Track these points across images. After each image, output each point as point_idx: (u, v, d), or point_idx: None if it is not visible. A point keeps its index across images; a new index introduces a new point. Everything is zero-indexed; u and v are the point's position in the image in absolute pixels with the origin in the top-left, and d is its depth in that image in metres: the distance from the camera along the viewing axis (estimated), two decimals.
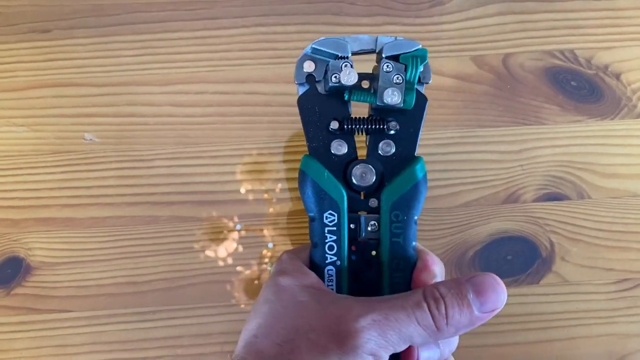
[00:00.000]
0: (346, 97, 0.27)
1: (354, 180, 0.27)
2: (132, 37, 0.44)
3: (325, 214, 0.26)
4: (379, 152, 0.27)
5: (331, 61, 0.26)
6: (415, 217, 0.26)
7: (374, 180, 0.27)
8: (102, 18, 0.44)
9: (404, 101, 0.26)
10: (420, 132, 0.27)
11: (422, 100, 0.27)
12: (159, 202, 0.41)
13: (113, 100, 0.43)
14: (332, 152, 0.27)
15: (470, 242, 0.41)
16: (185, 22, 0.44)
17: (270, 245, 0.41)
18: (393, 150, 0.27)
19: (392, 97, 0.26)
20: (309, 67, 0.27)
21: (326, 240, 0.26)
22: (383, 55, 0.26)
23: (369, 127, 0.27)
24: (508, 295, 0.41)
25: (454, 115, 0.43)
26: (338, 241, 0.26)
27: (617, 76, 0.44)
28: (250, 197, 0.42)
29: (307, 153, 0.27)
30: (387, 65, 0.26)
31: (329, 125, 0.27)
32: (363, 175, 0.27)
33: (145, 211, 0.41)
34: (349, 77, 0.26)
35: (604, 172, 0.42)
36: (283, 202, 0.42)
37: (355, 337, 0.22)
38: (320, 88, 0.27)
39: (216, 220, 0.41)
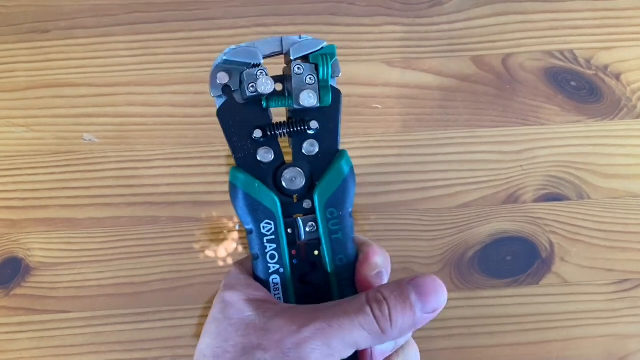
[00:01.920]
0: (264, 105, 0.27)
1: (284, 185, 0.27)
2: (131, 37, 0.44)
3: (262, 224, 0.26)
4: (304, 152, 0.27)
5: (245, 70, 0.26)
6: (350, 210, 0.27)
7: (304, 182, 0.27)
8: (101, 18, 0.44)
9: (321, 100, 0.26)
10: (339, 126, 0.27)
11: (336, 94, 0.27)
12: (158, 203, 0.41)
13: (112, 101, 0.43)
14: (259, 160, 0.27)
15: (470, 242, 0.41)
16: (185, 23, 0.44)
17: None
18: (317, 149, 0.27)
19: (309, 99, 0.26)
20: (223, 78, 0.27)
21: (266, 251, 0.26)
22: (292, 58, 0.26)
23: (291, 130, 0.27)
24: (508, 296, 0.41)
25: (454, 115, 0.43)
26: (278, 249, 0.26)
27: (617, 76, 0.44)
28: None
29: (234, 165, 0.27)
30: (298, 67, 0.26)
31: (252, 134, 0.27)
32: (293, 179, 0.27)
33: (145, 212, 0.41)
34: (265, 86, 0.26)
35: (604, 173, 0.42)
36: None
37: (299, 348, 0.22)
38: (238, 97, 0.27)
39: (216, 220, 0.41)
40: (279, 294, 0.27)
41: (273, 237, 0.26)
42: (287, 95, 0.27)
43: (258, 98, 0.27)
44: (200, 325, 0.40)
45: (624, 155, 0.43)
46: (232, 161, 0.27)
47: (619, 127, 0.43)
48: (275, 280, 0.27)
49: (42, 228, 0.41)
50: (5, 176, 0.42)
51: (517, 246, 0.41)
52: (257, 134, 0.26)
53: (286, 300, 0.27)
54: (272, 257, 0.26)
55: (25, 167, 0.42)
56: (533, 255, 0.41)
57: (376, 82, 0.44)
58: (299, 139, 0.27)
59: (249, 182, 0.26)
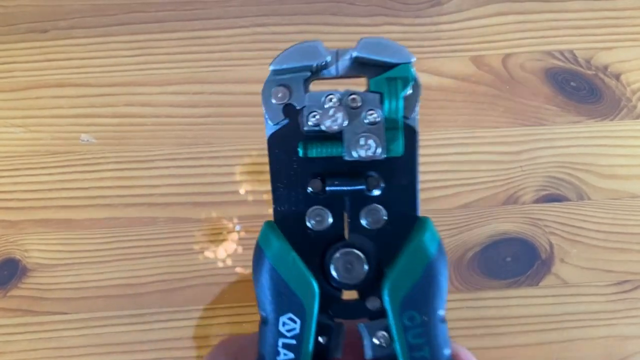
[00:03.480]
0: (300, 153, 0.19)
1: (334, 275, 0.19)
2: (130, 37, 0.43)
3: (283, 319, 0.18)
4: (364, 224, 0.19)
5: (309, 93, 0.19)
6: (442, 313, 0.19)
7: (365, 271, 0.19)
8: (100, 18, 0.44)
9: (387, 149, 0.19)
10: (418, 182, 0.19)
11: (411, 136, 0.19)
12: (157, 203, 0.41)
13: (111, 101, 0.43)
14: (308, 224, 0.19)
15: (469, 243, 0.41)
16: (184, 22, 0.44)
17: None
18: (384, 218, 0.19)
19: (366, 148, 0.18)
20: (281, 96, 0.19)
21: (279, 358, 0.18)
22: (354, 56, 0.19)
23: (345, 188, 0.19)
24: (508, 297, 0.41)
25: (453, 115, 0.43)
26: None
27: (617, 77, 0.44)
28: (250, 198, 0.41)
29: (271, 220, 0.20)
30: (353, 99, 0.19)
31: (307, 183, 0.19)
32: (348, 267, 0.19)
33: (144, 212, 0.41)
34: (333, 121, 0.18)
35: (604, 173, 0.42)
36: None
37: None
38: (300, 120, 0.19)
39: (215, 221, 0.41)
40: None
41: (294, 342, 0.18)
42: (336, 139, 0.19)
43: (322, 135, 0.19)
44: (200, 326, 0.40)
45: (624, 156, 0.43)
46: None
47: (619, 127, 0.43)
48: None
49: (40, 229, 0.41)
50: (2, 177, 0.42)
51: (517, 247, 0.41)
52: (315, 185, 0.19)
53: None
54: None
55: (23, 168, 0.42)
56: (533, 257, 0.41)
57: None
58: (356, 203, 0.19)
59: (282, 252, 0.18)
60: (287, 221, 0.19)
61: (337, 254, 0.19)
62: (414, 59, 0.18)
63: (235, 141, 0.42)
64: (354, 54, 0.19)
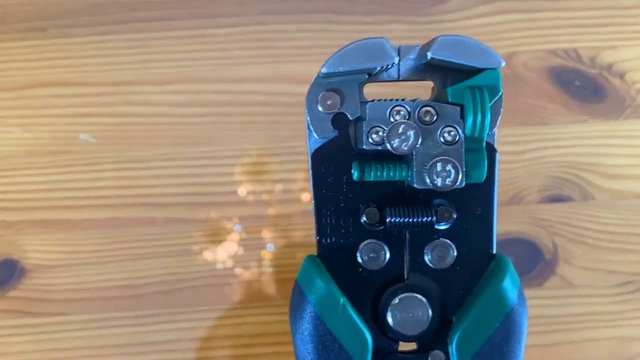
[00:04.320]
0: (355, 176, 0.16)
1: (391, 324, 0.15)
2: (129, 35, 0.43)
3: None
4: (429, 263, 0.16)
5: (371, 103, 0.15)
6: None
7: (428, 320, 0.16)
8: (99, 17, 0.44)
9: (469, 175, 0.16)
10: (495, 214, 0.16)
11: (491, 158, 0.16)
12: (156, 204, 0.41)
13: (110, 100, 0.42)
14: (360, 261, 0.16)
15: None
16: (183, 21, 0.44)
17: (271, 247, 0.41)
18: (453, 255, 0.16)
19: (444, 176, 0.15)
20: (331, 104, 0.15)
21: None
22: (429, 58, 0.15)
23: (408, 220, 0.15)
24: None
25: None
26: None
27: (621, 75, 0.43)
28: (250, 198, 0.41)
29: (314, 253, 0.16)
30: (427, 112, 0.15)
31: (361, 211, 0.16)
32: (410, 315, 0.15)
33: (143, 213, 0.41)
34: (403, 139, 0.14)
35: (608, 173, 0.42)
36: (283, 203, 0.41)
37: None
38: (353, 134, 0.16)
39: (215, 221, 0.41)
40: None
41: None
42: (398, 159, 0.15)
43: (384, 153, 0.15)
44: (200, 328, 0.40)
45: (628, 156, 0.42)
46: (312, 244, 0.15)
47: (624, 127, 0.43)
48: None
49: (39, 229, 0.41)
50: (0, 177, 0.41)
51: (521, 248, 0.41)
52: (371, 215, 0.16)
53: None
54: None
55: (21, 168, 0.41)
56: (537, 257, 0.41)
57: (377, 82, 0.43)
58: (419, 237, 0.16)
59: (329, 296, 0.15)
60: (334, 256, 0.16)
61: (396, 300, 0.16)
62: (503, 64, 0.15)
63: (235, 141, 0.42)
64: (430, 54, 0.15)
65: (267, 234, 0.41)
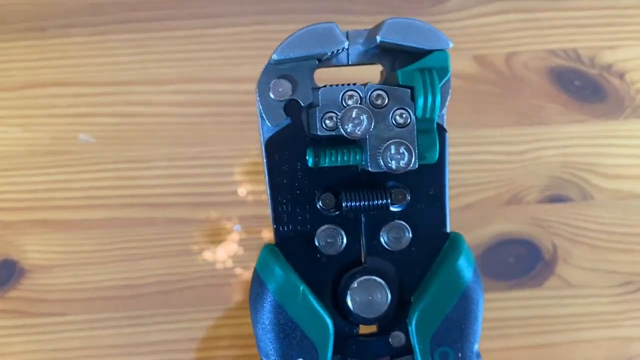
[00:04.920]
0: (310, 162, 0.16)
1: (352, 308, 0.15)
2: (129, 35, 0.43)
3: None
4: (384, 245, 0.16)
5: (323, 89, 0.15)
6: (477, 347, 0.15)
7: (387, 302, 0.16)
8: (98, 16, 0.43)
9: (422, 156, 0.15)
10: (447, 191, 0.16)
11: (442, 138, 0.16)
12: (156, 204, 0.41)
13: (110, 100, 0.42)
14: (318, 247, 0.16)
15: (472, 244, 0.41)
16: (183, 21, 0.44)
17: None
18: (408, 237, 0.16)
19: (399, 158, 0.15)
20: (283, 90, 0.16)
21: None
22: (378, 42, 0.15)
23: (364, 203, 0.15)
24: (511, 299, 0.41)
25: (456, 115, 0.43)
26: None
27: (621, 75, 0.43)
28: (250, 198, 0.41)
29: (271, 242, 0.16)
30: (378, 96, 0.15)
31: (317, 197, 0.16)
32: (369, 297, 0.15)
33: (142, 213, 0.41)
34: (357, 124, 0.14)
35: (608, 173, 0.42)
36: None
37: None
38: (306, 120, 0.16)
39: (215, 221, 0.41)
40: None
41: None
42: (352, 144, 0.15)
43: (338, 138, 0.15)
44: (199, 328, 0.40)
45: (628, 156, 0.42)
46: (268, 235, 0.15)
47: (624, 127, 0.43)
48: None
49: (38, 229, 0.41)
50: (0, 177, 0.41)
51: (520, 248, 0.41)
52: (326, 201, 0.16)
53: None
54: None
55: (20, 168, 0.41)
56: (536, 258, 0.41)
57: (376, 81, 0.43)
58: (374, 219, 0.16)
59: (289, 284, 0.15)
60: (292, 244, 0.16)
61: (355, 283, 0.15)
62: (451, 45, 0.15)
63: (235, 141, 0.42)
64: (379, 38, 0.15)
65: (267, 234, 0.41)
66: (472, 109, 0.43)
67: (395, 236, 0.16)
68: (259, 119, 0.16)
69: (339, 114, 0.15)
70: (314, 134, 0.15)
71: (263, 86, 0.16)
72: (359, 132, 0.15)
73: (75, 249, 0.40)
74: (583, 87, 0.43)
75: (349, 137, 0.15)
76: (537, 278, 0.41)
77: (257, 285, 0.15)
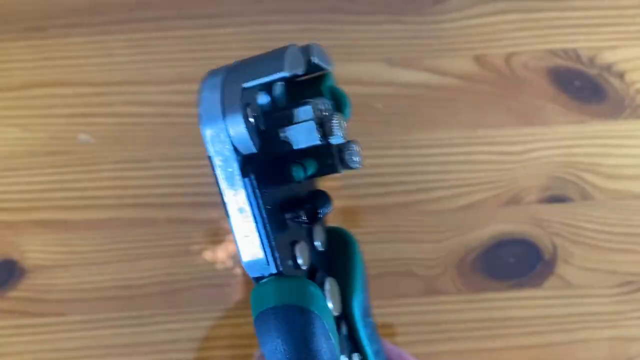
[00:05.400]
0: (295, 176, 0.17)
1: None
2: (128, 35, 0.43)
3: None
4: (316, 246, 0.17)
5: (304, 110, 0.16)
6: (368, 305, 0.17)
7: (340, 297, 0.17)
8: (98, 16, 0.43)
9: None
10: None
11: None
12: (156, 204, 0.41)
13: (109, 100, 0.42)
14: (300, 264, 0.17)
15: (472, 244, 0.41)
16: (183, 21, 0.44)
17: None
18: (325, 234, 0.17)
19: (357, 155, 0.16)
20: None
21: None
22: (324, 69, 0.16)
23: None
24: (511, 299, 0.41)
25: (455, 115, 0.43)
26: None
27: (621, 76, 0.43)
28: None
29: (274, 274, 0.16)
30: (323, 103, 0.17)
31: (284, 214, 0.17)
32: (334, 296, 0.17)
33: (142, 213, 0.41)
34: (338, 130, 0.15)
35: (608, 173, 0.42)
36: None
37: None
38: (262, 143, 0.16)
39: (215, 221, 0.41)
40: None
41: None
42: (322, 149, 0.16)
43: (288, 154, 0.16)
44: (199, 328, 0.40)
45: (628, 156, 0.42)
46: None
47: (623, 127, 0.43)
48: None
49: (38, 230, 0.41)
50: None
51: (520, 248, 0.41)
52: (293, 214, 0.16)
53: None
54: None
55: (20, 168, 0.41)
56: (536, 258, 0.41)
57: (377, 82, 0.43)
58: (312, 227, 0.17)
59: (322, 301, 0.15)
60: (286, 269, 0.16)
61: (326, 286, 0.16)
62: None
63: None
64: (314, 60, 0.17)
65: None
66: (472, 109, 0.43)
67: (321, 236, 0.17)
68: (230, 150, 0.18)
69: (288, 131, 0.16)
70: (264, 151, 0.17)
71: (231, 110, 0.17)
72: (341, 136, 0.16)
73: (75, 249, 0.40)
74: (583, 87, 0.43)
75: (333, 143, 0.16)
76: (537, 278, 0.41)
77: (301, 312, 0.15)
